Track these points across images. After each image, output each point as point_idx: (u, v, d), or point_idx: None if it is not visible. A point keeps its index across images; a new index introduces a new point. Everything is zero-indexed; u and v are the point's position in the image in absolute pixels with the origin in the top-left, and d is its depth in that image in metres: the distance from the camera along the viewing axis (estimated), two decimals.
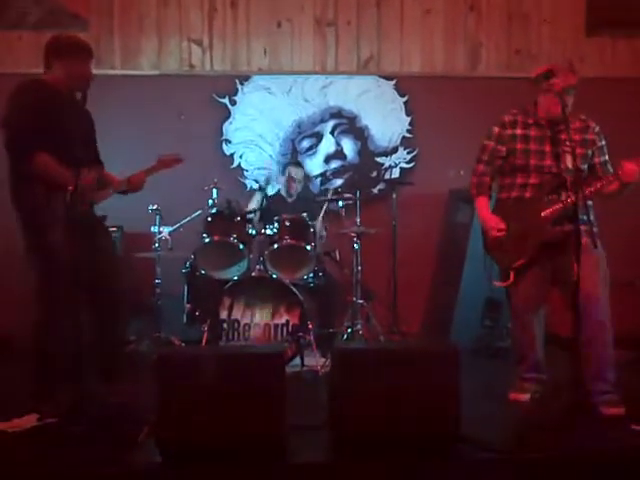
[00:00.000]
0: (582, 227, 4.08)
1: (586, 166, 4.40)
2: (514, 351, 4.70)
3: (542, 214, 4.27)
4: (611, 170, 4.41)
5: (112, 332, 4.44)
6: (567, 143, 4.16)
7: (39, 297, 4.20)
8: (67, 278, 3.98)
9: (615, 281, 4.34)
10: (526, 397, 4.49)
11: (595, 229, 4.27)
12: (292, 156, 6.91)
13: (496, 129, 4.51)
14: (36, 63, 6.40)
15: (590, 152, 4.41)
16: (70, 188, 4.04)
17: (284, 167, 6.62)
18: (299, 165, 6.66)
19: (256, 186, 6.45)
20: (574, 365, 3.83)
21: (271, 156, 6.94)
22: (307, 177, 6.85)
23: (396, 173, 7.02)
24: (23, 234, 4.18)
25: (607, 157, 4.47)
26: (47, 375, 4.18)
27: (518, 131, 4.44)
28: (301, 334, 5.36)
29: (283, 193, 6.47)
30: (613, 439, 3.79)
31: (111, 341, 4.43)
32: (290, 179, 6.43)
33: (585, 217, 4.09)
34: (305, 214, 5.74)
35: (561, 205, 4.23)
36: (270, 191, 6.40)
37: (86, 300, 4.25)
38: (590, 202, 4.30)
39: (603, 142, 4.46)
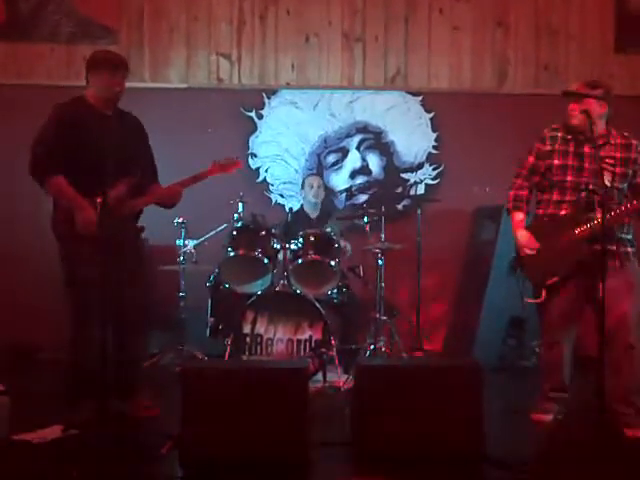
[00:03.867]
0: (616, 247, 4.06)
1: (625, 185, 4.34)
2: (540, 369, 4.67)
3: (576, 231, 4.24)
4: None
5: (132, 346, 4.48)
6: (607, 160, 4.13)
7: (71, 314, 4.28)
8: (94, 295, 3.98)
9: None
10: (549, 417, 4.44)
11: (630, 249, 4.25)
12: (317, 171, 6.90)
13: (536, 144, 4.48)
14: (67, 75, 6.60)
15: (631, 171, 4.34)
16: (98, 200, 4.08)
17: (302, 181, 6.55)
18: (314, 174, 6.69)
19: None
20: (599, 386, 3.78)
21: (297, 170, 6.94)
22: (332, 192, 6.85)
23: (421, 189, 6.98)
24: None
25: None
26: (76, 387, 4.24)
27: (557, 146, 4.39)
28: (324, 350, 5.34)
29: (306, 208, 6.43)
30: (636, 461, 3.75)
31: (131, 354, 4.47)
32: (310, 187, 6.37)
33: (619, 236, 4.06)
34: (329, 229, 5.75)
35: (595, 223, 4.16)
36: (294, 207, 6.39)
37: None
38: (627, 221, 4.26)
39: None
